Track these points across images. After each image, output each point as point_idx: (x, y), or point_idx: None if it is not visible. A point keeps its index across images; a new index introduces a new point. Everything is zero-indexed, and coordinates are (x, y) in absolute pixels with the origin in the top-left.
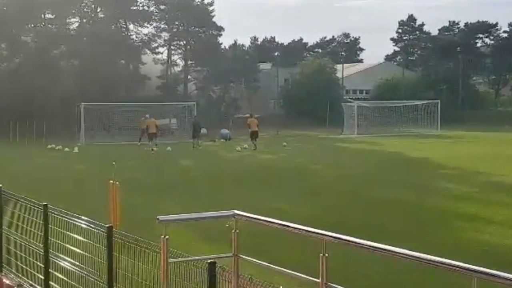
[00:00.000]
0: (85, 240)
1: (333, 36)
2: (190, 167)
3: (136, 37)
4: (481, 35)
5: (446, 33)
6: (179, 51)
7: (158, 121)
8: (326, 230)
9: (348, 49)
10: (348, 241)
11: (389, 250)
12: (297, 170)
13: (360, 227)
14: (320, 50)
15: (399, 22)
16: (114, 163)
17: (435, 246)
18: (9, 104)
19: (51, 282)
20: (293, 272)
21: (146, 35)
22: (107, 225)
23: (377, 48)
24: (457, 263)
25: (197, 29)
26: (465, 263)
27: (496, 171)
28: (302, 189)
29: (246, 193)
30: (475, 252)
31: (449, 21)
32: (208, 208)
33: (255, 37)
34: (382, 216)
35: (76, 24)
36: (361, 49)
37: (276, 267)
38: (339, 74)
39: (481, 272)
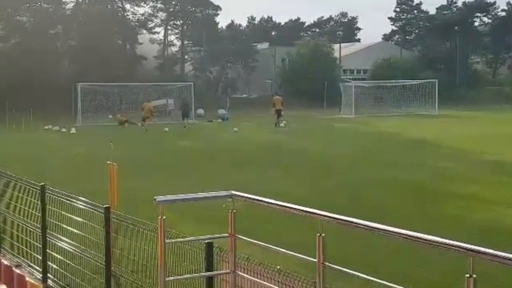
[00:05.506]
0: (82, 220)
1: (330, 16)
2: (188, 148)
3: (133, 17)
4: (479, 14)
5: (444, 12)
6: (176, 31)
7: (155, 101)
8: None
9: (345, 28)
10: (344, 220)
11: (385, 230)
12: (295, 151)
13: (359, 208)
14: (317, 30)
15: (397, 1)
16: (111, 144)
17: (433, 225)
18: (5, 84)
19: (49, 262)
20: (290, 252)
21: (142, 15)
22: (104, 206)
23: (374, 28)
24: (453, 242)
25: (194, 8)
26: (463, 242)
27: (495, 150)
28: (301, 170)
29: (244, 174)
30: (473, 231)
31: (447, 0)
32: (205, 188)
33: (252, 17)
34: (382, 195)
35: (72, 4)
36: (359, 29)
37: (274, 247)
38: (336, 54)
39: (478, 252)
